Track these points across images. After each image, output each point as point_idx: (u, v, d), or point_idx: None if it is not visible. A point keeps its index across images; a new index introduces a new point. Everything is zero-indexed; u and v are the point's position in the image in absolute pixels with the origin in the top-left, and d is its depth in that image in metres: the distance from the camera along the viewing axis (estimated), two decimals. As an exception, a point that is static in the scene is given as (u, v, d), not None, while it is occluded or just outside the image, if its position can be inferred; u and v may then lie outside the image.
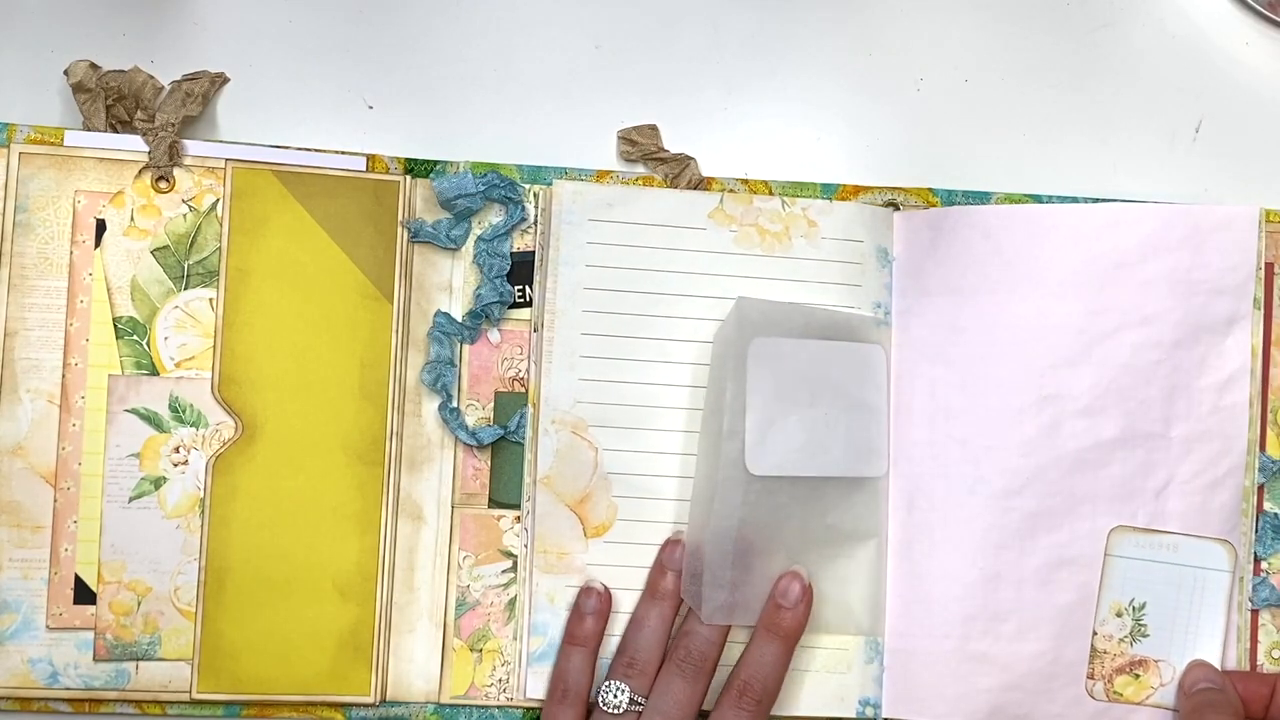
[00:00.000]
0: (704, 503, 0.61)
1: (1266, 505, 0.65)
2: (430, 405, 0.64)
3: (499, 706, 0.63)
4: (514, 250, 0.65)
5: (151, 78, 0.64)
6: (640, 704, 0.60)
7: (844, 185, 0.66)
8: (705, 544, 0.60)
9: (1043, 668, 0.63)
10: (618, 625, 0.63)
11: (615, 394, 0.64)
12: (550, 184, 0.65)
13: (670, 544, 0.63)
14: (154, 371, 0.62)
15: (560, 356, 0.63)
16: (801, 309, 0.63)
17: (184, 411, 0.62)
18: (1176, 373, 0.64)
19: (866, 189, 0.66)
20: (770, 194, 0.65)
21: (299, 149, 0.64)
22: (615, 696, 0.60)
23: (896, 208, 0.66)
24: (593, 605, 0.62)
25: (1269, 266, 0.65)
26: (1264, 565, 0.65)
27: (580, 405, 0.63)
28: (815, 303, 0.64)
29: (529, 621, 0.63)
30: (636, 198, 0.64)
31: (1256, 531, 0.65)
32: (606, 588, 0.63)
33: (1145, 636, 0.64)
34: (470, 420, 0.64)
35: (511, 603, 0.64)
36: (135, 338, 0.62)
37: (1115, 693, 0.64)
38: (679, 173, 0.65)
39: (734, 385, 0.61)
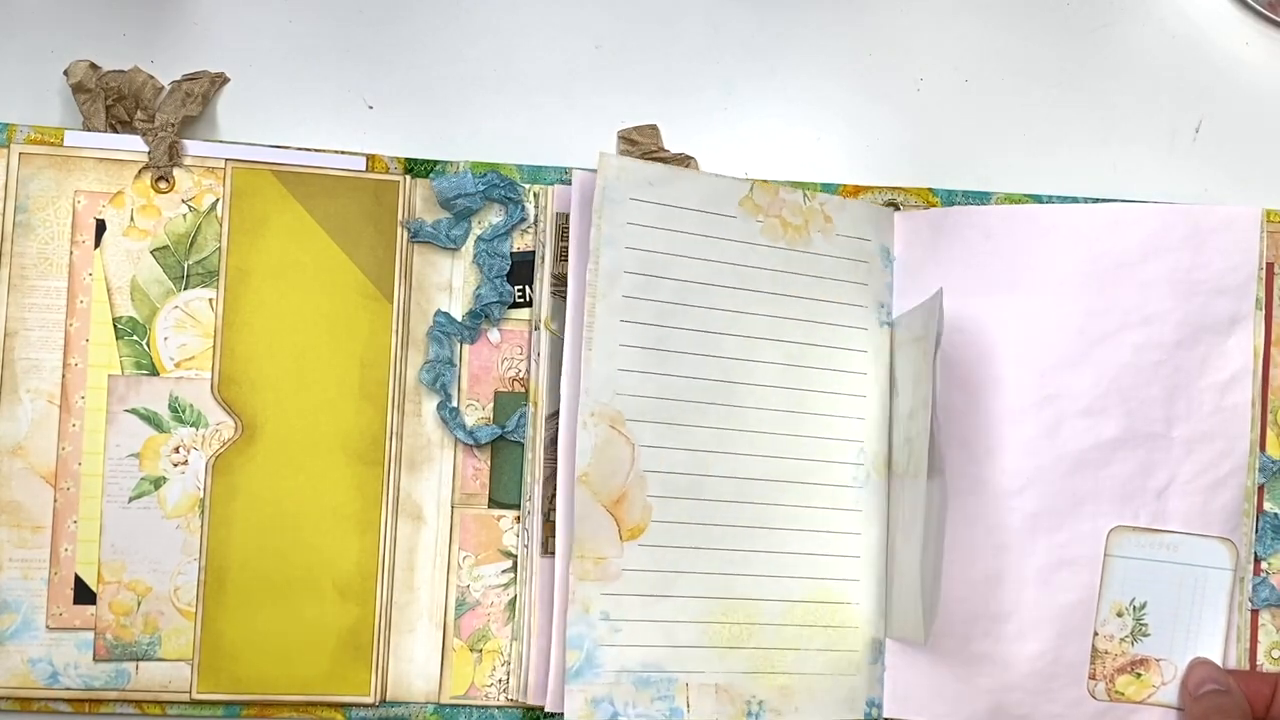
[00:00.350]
0: (921, 522, 0.61)
1: (1267, 505, 0.65)
2: (430, 405, 0.64)
3: (499, 706, 0.63)
4: (514, 250, 0.65)
5: (151, 78, 0.64)
6: None
7: (844, 185, 0.66)
8: (924, 564, 0.61)
9: (1043, 668, 0.63)
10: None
11: (653, 386, 0.62)
12: (551, 184, 0.65)
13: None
14: (154, 371, 0.62)
15: (601, 344, 0.61)
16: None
17: (184, 411, 0.62)
18: (1178, 373, 0.64)
19: (867, 189, 0.66)
20: (793, 187, 0.65)
21: (299, 149, 0.64)
22: None
23: (897, 208, 0.66)
24: None
25: (1269, 266, 0.65)
26: (1264, 565, 0.65)
27: (619, 398, 0.61)
28: (815, 300, 0.64)
29: (532, 625, 0.63)
30: (676, 178, 0.63)
31: (1257, 531, 0.65)
32: None
33: (1146, 636, 0.64)
34: (470, 420, 0.64)
35: (511, 603, 0.63)
36: (135, 338, 0.62)
37: (1117, 692, 0.64)
38: (679, 172, 0.65)
39: (919, 390, 0.61)
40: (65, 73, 0.63)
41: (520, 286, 0.65)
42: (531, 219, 0.65)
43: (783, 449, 0.63)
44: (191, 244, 0.63)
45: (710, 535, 0.62)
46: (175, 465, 0.62)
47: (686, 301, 0.63)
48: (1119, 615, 0.64)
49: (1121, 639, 0.64)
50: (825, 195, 0.65)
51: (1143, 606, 0.64)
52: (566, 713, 0.60)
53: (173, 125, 0.63)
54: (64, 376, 0.62)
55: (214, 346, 0.62)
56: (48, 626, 0.61)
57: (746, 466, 0.63)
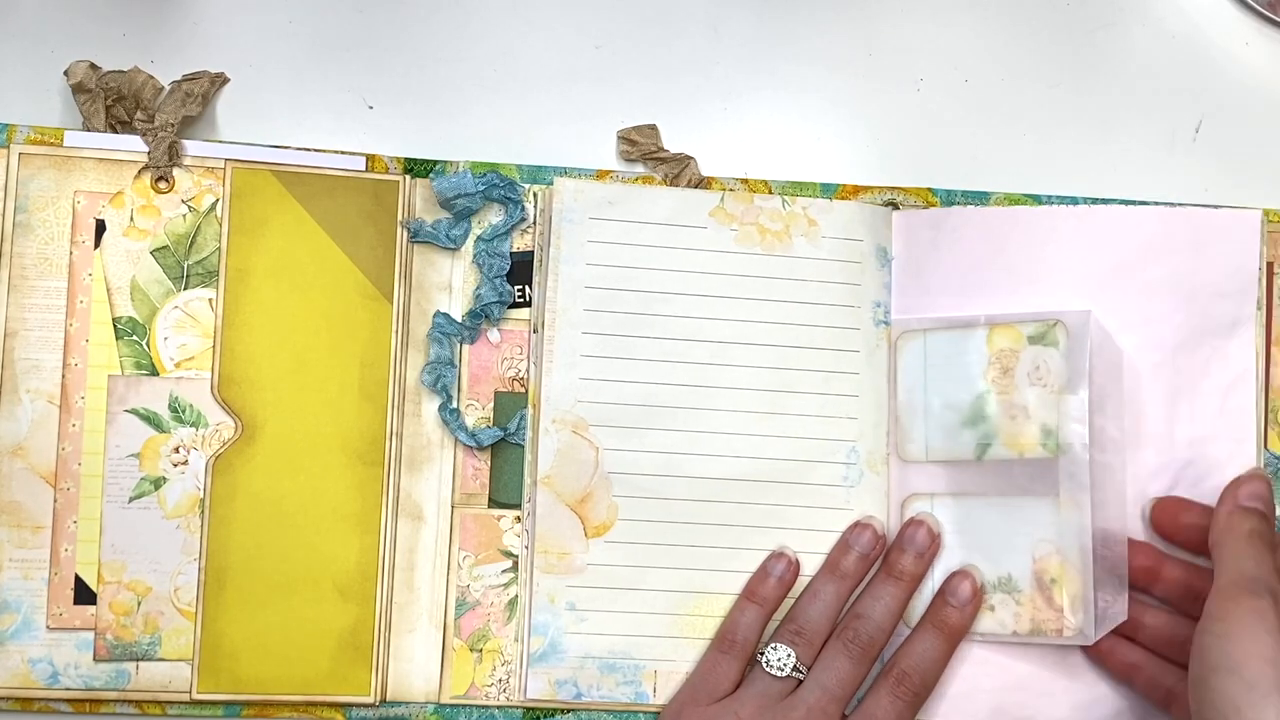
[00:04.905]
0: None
1: None
2: (430, 405, 0.64)
3: (499, 706, 0.63)
4: (514, 250, 0.65)
5: (151, 78, 0.64)
6: (802, 672, 0.60)
7: (844, 185, 0.66)
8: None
9: (1045, 669, 0.63)
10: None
11: (616, 393, 0.64)
12: (550, 184, 0.65)
13: (860, 526, 0.63)
14: (154, 372, 0.62)
15: (561, 356, 0.63)
16: None
17: (184, 412, 0.62)
18: (1179, 375, 0.64)
19: (866, 189, 0.66)
20: (770, 193, 0.65)
21: (299, 149, 0.64)
22: (780, 658, 0.60)
23: (896, 207, 0.66)
24: (780, 570, 0.63)
25: (1269, 266, 0.65)
26: None
27: (581, 405, 0.63)
28: (800, 303, 0.64)
29: (529, 622, 0.63)
30: (638, 196, 0.64)
31: None
32: (798, 560, 0.63)
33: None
34: (470, 420, 0.64)
35: (511, 603, 0.63)
36: (135, 338, 0.62)
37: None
38: (679, 173, 0.65)
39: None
40: (65, 73, 0.63)
41: (520, 286, 0.65)
42: (531, 219, 0.65)
43: (762, 449, 0.64)
44: (191, 244, 0.63)
45: (683, 533, 0.63)
46: (175, 465, 0.62)
47: (653, 311, 0.64)
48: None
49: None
50: (807, 200, 0.65)
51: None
52: (530, 693, 0.62)
53: (172, 125, 0.63)
54: (64, 377, 0.62)
55: (214, 346, 0.63)
56: (48, 626, 0.61)
57: (721, 467, 0.64)
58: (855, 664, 0.60)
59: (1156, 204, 0.65)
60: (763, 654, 0.61)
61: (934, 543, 0.63)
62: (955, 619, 0.62)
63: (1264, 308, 0.65)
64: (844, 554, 0.63)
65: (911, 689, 0.60)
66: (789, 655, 0.60)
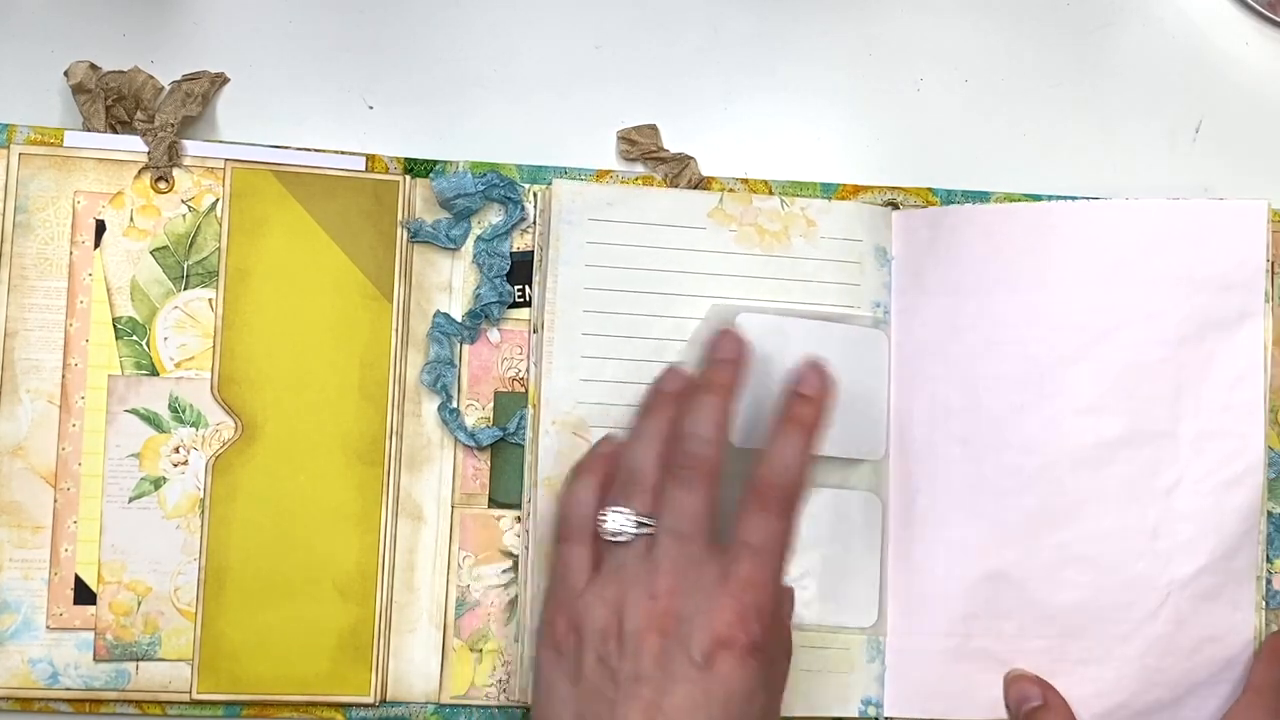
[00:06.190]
0: None
1: (1269, 506, 0.64)
2: (430, 405, 0.64)
3: (499, 707, 0.63)
4: (514, 250, 0.65)
5: (151, 78, 0.64)
6: (649, 525, 0.54)
7: (844, 185, 0.66)
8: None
9: (1045, 666, 0.63)
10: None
11: (616, 394, 0.63)
12: (550, 184, 0.65)
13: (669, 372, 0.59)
14: (154, 372, 0.62)
15: (561, 357, 0.63)
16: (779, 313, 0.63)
17: (184, 412, 0.62)
18: (1183, 370, 0.63)
19: (866, 189, 0.66)
20: (770, 194, 0.65)
21: (299, 149, 0.64)
22: (618, 523, 0.54)
23: (896, 207, 0.66)
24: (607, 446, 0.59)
25: (1270, 265, 0.65)
26: (1267, 566, 0.64)
27: (581, 406, 0.63)
28: (801, 304, 0.64)
29: (531, 624, 0.63)
30: (636, 197, 0.64)
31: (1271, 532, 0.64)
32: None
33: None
34: (470, 420, 0.64)
35: (512, 603, 0.63)
36: (135, 338, 0.62)
37: None
38: (679, 172, 0.65)
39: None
40: (65, 73, 0.63)
41: (520, 286, 0.65)
42: (531, 219, 0.65)
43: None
44: (191, 244, 0.63)
45: None
46: (175, 465, 0.62)
47: (654, 312, 0.64)
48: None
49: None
50: (806, 200, 0.65)
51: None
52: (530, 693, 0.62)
53: (172, 125, 0.63)
54: (64, 377, 0.62)
55: (214, 346, 0.63)
56: (48, 627, 0.61)
57: None
58: (696, 491, 0.54)
59: (1159, 199, 0.65)
60: (601, 525, 0.55)
61: (742, 349, 0.58)
62: (810, 412, 0.56)
63: (1270, 301, 0.64)
64: (652, 394, 0.59)
65: (778, 498, 0.54)
66: (626, 515, 0.54)
